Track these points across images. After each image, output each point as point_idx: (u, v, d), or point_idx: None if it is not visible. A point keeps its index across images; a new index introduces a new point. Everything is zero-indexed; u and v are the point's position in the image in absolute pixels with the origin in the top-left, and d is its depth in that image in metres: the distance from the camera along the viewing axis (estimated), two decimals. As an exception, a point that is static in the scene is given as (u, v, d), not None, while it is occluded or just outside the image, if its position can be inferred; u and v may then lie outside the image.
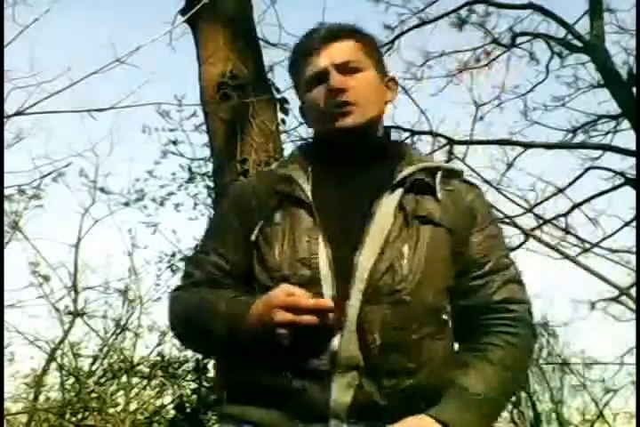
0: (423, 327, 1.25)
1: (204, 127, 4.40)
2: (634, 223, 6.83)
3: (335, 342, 1.22)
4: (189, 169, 7.08)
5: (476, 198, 1.41)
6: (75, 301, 7.47)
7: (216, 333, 1.28)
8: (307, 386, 1.21)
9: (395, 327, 1.22)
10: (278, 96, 3.62)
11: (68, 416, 7.02)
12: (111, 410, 6.90)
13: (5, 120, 3.83)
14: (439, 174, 1.37)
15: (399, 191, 1.32)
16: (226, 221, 1.41)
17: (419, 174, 1.34)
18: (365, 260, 1.25)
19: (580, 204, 7.07)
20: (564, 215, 7.06)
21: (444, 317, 1.30)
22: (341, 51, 1.39)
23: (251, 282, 1.33)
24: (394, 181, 1.33)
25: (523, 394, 11.12)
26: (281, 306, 1.19)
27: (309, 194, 1.33)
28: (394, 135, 1.58)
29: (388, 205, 1.31)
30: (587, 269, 6.22)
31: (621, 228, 7.00)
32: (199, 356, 5.16)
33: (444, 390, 1.25)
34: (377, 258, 1.25)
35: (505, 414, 11.50)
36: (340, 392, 1.20)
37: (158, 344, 7.41)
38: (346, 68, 1.38)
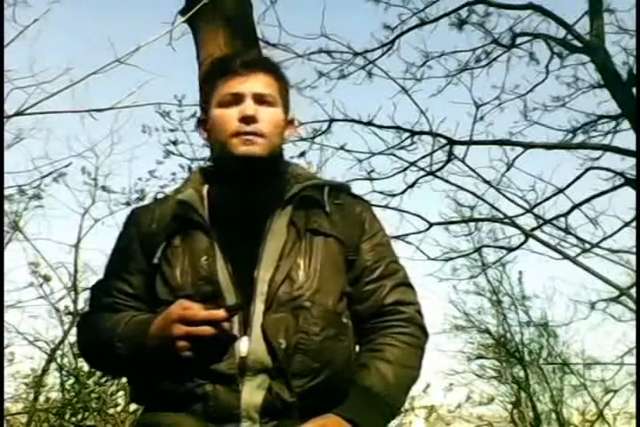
0: (325, 330, 1.34)
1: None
2: (634, 223, 6.83)
3: (243, 347, 1.30)
4: (190, 169, 7.08)
5: (364, 210, 1.52)
6: (75, 301, 7.44)
7: (119, 354, 1.34)
8: (218, 390, 1.28)
9: (297, 331, 1.32)
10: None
11: (67, 417, 7.02)
12: (111, 410, 6.90)
13: (5, 120, 3.83)
14: (326, 190, 1.47)
15: (289, 208, 1.43)
16: (128, 246, 1.47)
17: (307, 191, 1.45)
18: (263, 273, 1.35)
19: (580, 204, 7.07)
20: (564, 215, 7.06)
21: (345, 320, 1.40)
22: (263, 83, 1.47)
23: (154, 303, 1.39)
24: (284, 199, 1.43)
25: (523, 394, 11.12)
26: (177, 320, 1.26)
27: (206, 216, 1.41)
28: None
29: (280, 222, 1.41)
30: (587, 269, 6.24)
31: (621, 228, 7.00)
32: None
33: (348, 388, 1.34)
34: (274, 271, 1.35)
35: (505, 414, 11.52)
36: (251, 394, 1.28)
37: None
38: (261, 100, 1.45)
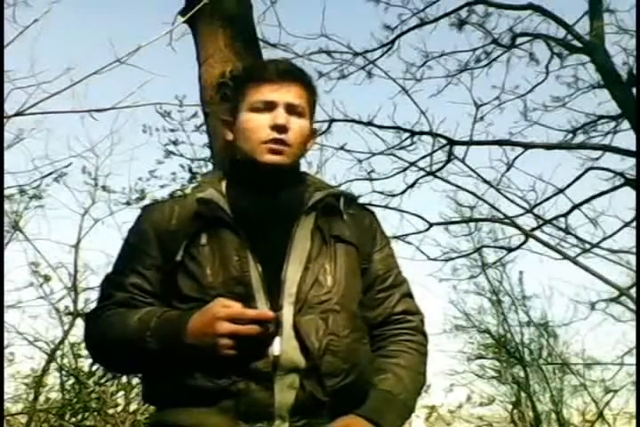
0: (352, 333, 1.39)
1: (204, 128, 4.40)
2: (634, 224, 6.83)
3: (276, 347, 1.32)
4: (190, 169, 7.09)
5: (374, 221, 1.58)
6: (75, 301, 7.45)
7: (149, 349, 1.33)
8: (251, 387, 1.29)
9: (328, 333, 1.35)
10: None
11: (67, 417, 7.02)
12: (111, 411, 6.90)
13: (5, 120, 3.83)
14: (342, 199, 1.52)
15: (313, 214, 1.46)
16: (143, 243, 1.47)
17: (327, 199, 1.49)
18: (292, 275, 1.38)
19: (580, 204, 7.06)
20: (564, 216, 7.05)
21: (363, 325, 1.45)
22: (295, 93, 1.50)
23: (171, 300, 1.41)
24: (308, 205, 1.46)
25: (523, 394, 11.12)
26: (224, 318, 1.28)
27: (231, 215, 1.42)
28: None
29: (305, 226, 1.44)
30: (586, 269, 6.22)
31: (621, 228, 6.99)
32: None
33: (369, 390, 1.39)
34: (302, 273, 1.38)
35: (505, 414, 11.52)
36: (283, 393, 1.30)
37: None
38: (292, 110, 1.49)
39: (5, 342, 6.89)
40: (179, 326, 1.31)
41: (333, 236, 1.45)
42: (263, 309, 1.33)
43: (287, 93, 1.49)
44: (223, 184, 1.52)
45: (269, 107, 1.47)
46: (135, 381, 7.10)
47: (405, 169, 7.00)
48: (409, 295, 1.55)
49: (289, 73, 1.52)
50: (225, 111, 1.58)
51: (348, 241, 1.46)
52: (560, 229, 7.06)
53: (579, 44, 6.98)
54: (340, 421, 1.33)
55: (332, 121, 6.81)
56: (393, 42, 7.31)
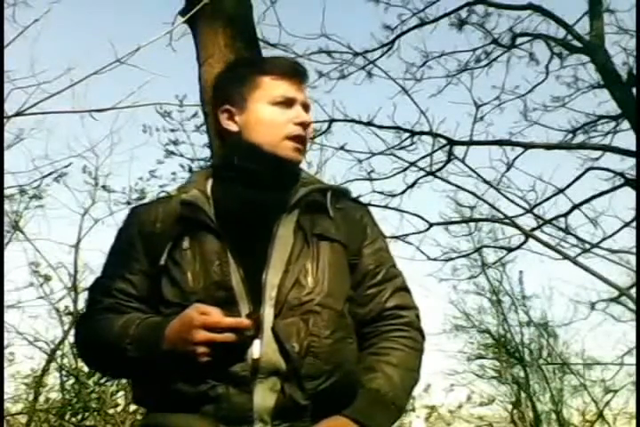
0: (334, 333, 1.35)
1: (204, 128, 4.40)
2: (634, 224, 6.83)
3: (255, 350, 1.29)
4: (190, 169, 7.09)
5: (365, 215, 1.53)
6: (75, 301, 7.46)
7: (129, 356, 1.32)
8: (230, 392, 1.27)
9: (308, 334, 1.32)
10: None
11: (67, 417, 7.03)
12: (111, 411, 6.91)
13: (5, 120, 3.83)
14: (329, 194, 1.47)
15: (296, 212, 1.42)
16: (130, 246, 1.45)
17: (312, 195, 1.45)
18: (272, 278, 1.35)
19: (580, 204, 7.07)
20: (564, 216, 7.06)
21: (350, 323, 1.41)
22: (305, 93, 1.52)
23: (157, 305, 1.39)
24: (290, 202, 1.42)
25: (523, 394, 11.12)
26: (200, 326, 1.25)
27: (213, 218, 1.39)
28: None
29: (287, 225, 1.40)
30: (587, 269, 6.22)
31: (621, 228, 7.00)
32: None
33: (357, 390, 1.35)
34: (283, 275, 1.35)
35: (505, 414, 11.52)
36: (264, 397, 1.28)
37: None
38: (306, 108, 1.50)
39: (5, 342, 6.89)
40: (156, 333, 1.30)
41: (316, 234, 1.40)
42: (242, 314, 1.30)
43: (302, 91, 1.50)
44: (209, 183, 1.48)
45: (289, 103, 1.46)
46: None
47: (405, 169, 7.01)
48: (403, 289, 1.49)
49: (303, 72, 1.53)
50: (223, 100, 1.51)
51: (333, 239, 1.42)
52: (560, 229, 7.07)
53: (579, 44, 6.98)
54: (324, 422, 1.30)
55: (331, 121, 6.82)
56: (393, 42, 7.32)
